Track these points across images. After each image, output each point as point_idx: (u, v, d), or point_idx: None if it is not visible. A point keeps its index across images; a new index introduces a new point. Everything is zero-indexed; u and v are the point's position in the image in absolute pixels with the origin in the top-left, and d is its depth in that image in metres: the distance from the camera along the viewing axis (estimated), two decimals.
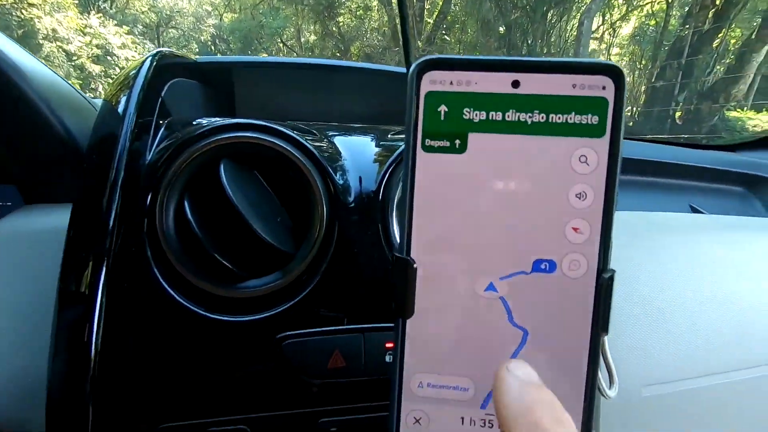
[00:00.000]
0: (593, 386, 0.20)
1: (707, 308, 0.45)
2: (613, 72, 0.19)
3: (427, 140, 0.20)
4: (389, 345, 0.33)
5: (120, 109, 0.36)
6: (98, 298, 0.31)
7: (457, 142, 0.20)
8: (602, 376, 0.37)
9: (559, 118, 0.19)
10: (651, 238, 0.48)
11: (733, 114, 6.04)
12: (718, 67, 6.54)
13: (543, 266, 0.20)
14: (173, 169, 0.34)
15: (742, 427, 0.45)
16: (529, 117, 0.19)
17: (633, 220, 0.50)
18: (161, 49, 0.43)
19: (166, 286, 0.32)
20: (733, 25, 6.46)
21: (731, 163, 0.80)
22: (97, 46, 8.36)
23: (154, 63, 0.40)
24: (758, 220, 0.62)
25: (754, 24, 5.91)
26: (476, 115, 0.20)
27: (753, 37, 5.61)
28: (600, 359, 0.20)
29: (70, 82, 0.47)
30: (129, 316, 0.32)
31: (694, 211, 0.74)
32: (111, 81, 0.42)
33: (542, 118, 0.19)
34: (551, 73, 0.19)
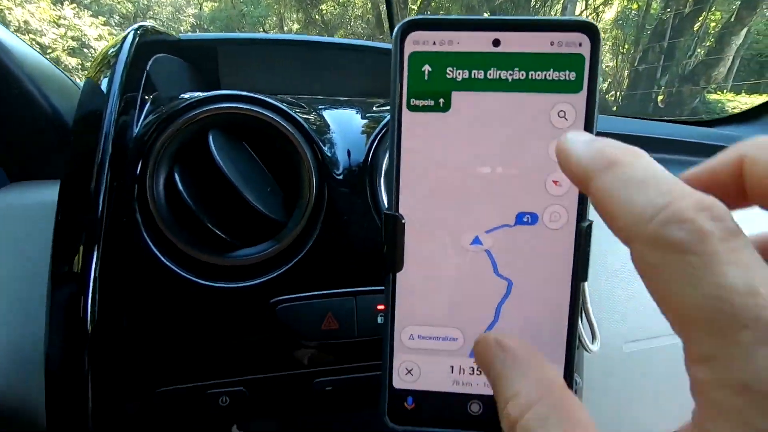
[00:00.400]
0: (574, 332, 0.21)
1: None
2: (589, 29, 0.20)
3: (412, 100, 0.21)
4: (380, 307, 0.35)
5: (104, 85, 0.36)
6: (92, 273, 0.31)
7: (441, 100, 0.20)
8: (585, 332, 0.39)
9: (538, 75, 0.20)
10: None
11: (713, 96, 6.14)
12: (699, 50, 6.62)
13: (525, 219, 0.21)
14: (161, 140, 0.34)
15: None
16: (510, 74, 0.20)
17: None
18: (143, 23, 0.42)
19: (160, 255, 0.33)
20: (713, 8, 6.53)
21: (709, 137, 0.82)
22: (72, 38, 8.10)
23: (137, 38, 0.39)
24: None
25: (733, 7, 5.98)
26: (459, 73, 0.20)
27: (732, 20, 5.69)
28: (580, 307, 0.22)
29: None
30: (124, 287, 0.33)
31: None
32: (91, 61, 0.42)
33: (522, 75, 0.20)
34: (530, 31, 0.20)
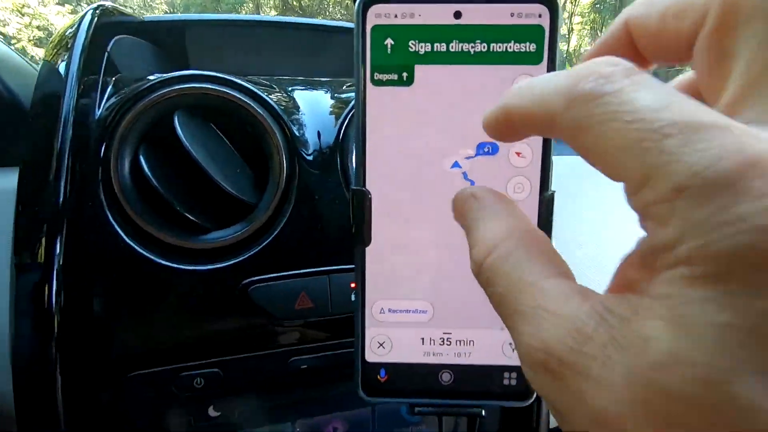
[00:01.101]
0: None
1: None
2: (547, 1, 0.20)
3: (375, 74, 0.21)
4: (353, 285, 0.35)
5: (61, 68, 0.35)
6: (55, 262, 0.30)
7: (405, 74, 0.21)
8: None
9: (499, 47, 0.20)
10: (597, 183, 0.51)
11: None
12: None
13: (486, 149, 0.21)
14: (126, 121, 0.33)
15: None
16: (472, 47, 0.20)
17: (577, 165, 0.53)
18: (102, 2, 0.41)
19: (127, 238, 0.32)
20: None
21: None
22: (38, 27, 7.75)
23: (95, 18, 0.38)
24: None
25: None
26: (421, 47, 0.20)
27: None
28: None
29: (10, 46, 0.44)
30: (91, 274, 0.32)
31: None
32: (48, 43, 0.40)
33: (484, 47, 0.20)
34: (490, 2, 0.20)
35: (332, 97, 0.42)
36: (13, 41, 7.35)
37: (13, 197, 0.32)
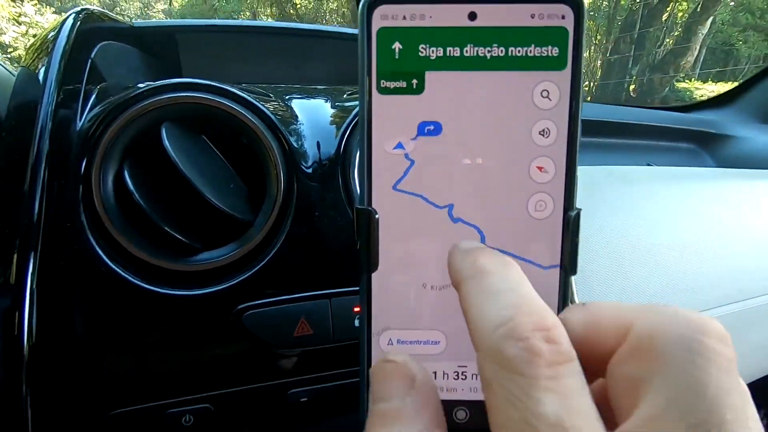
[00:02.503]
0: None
1: (665, 254, 0.46)
2: (572, 0, 0.18)
3: (382, 81, 0.19)
4: (356, 309, 0.32)
5: (40, 74, 0.32)
6: (27, 285, 0.28)
7: (414, 81, 0.19)
8: None
9: (518, 51, 0.18)
10: (611, 190, 0.49)
11: (682, 85, 6.34)
12: (668, 39, 6.81)
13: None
14: (109, 133, 0.31)
15: None
16: (488, 51, 0.18)
17: (594, 174, 0.51)
18: (87, 6, 0.38)
19: (111, 262, 0.30)
20: None
21: (684, 122, 0.83)
22: (34, 36, 7.76)
23: (78, 22, 0.36)
24: (709, 170, 0.65)
25: None
26: (433, 51, 0.18)
27: (698, 10, 5.86)
28: (570, 302, 0.20)
29: None
30: (68, 299, 0.29)
31: None
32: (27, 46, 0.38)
33: (501, 51, 0.18)
34: (509, 2, 0.18)
35: (333, 106, 0.40)
36: (9, 50, 7.35)
37: None
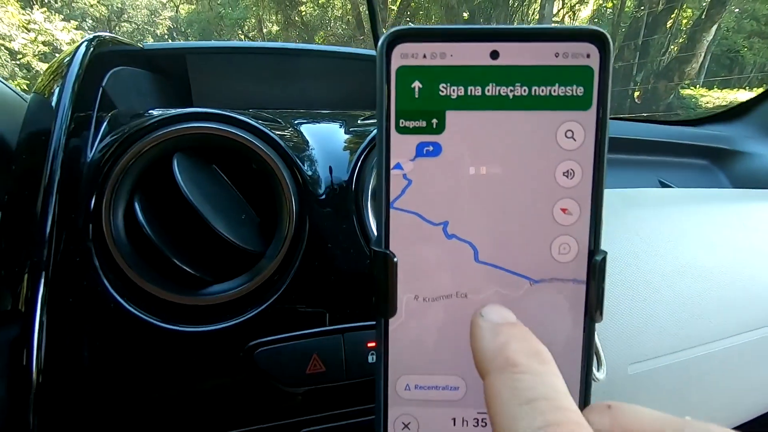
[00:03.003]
0: (588, 375, 0.19)
1: (681, 281, 0.45)
2: (597, 38, 0.18)
3: (401, 121, 0.18)
4: (371, 344, 0.31)
5: (52, 101, 0.32)
6: (36, 316, 0.27)
7: (435, 121, 0.18)
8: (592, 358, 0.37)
9: (542, 91, 0.18)
10: (624, 214, 0.48)
11: (687, 92, 6.32)
12: (672, 46, 6.80)
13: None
14: (119, 166, 0.30)
15: (724, 396, 0.46)
16: (511, 91, 0.18)
17: (607, 198, 0.50)
18: (99, 33, 0.38)
19: (120, 298, 0.29)
20: (684, 6, 6.72)
21: (695, 137, 0.82)
22: (43, 42, 7.84)
23: (91, 49, 0.35)
24: (724, 191, 0.64)
25: (704, 4, 6.16)
26: (454, 90, 0.18)
27: (703, 17, 5.85)
28: (593, 353, 0.19)
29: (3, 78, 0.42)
30: (77, 334, 0.29)
31: (663, 185, 0.76)
32: (46, 68, 0.37)
33: (524, 91, 0.18)
34: (532, 41, 0.18)
35: (347, 132, 0.39)
36: (18, 56, 7.44)
37: None
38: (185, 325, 0.30)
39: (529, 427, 0.12)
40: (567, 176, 0.18)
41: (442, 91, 0.18)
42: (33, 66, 7.54)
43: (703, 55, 6.04)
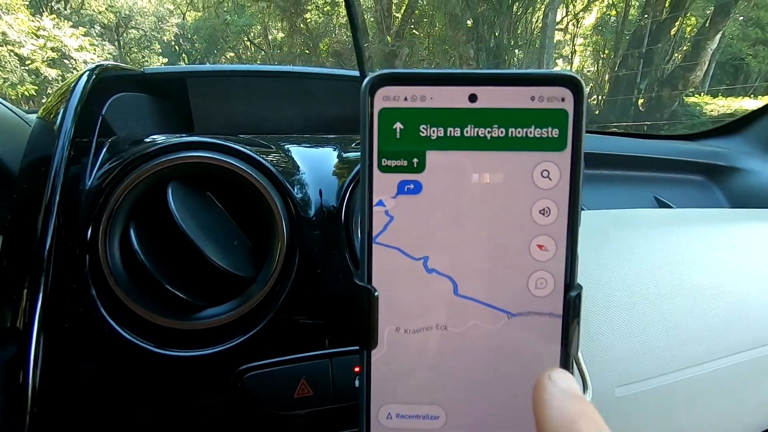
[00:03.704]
0: None
1: (674, 303, 0.45)
2: (571, 83, 0.18)
3: (383, 160, 0.19)
4: (357, 369, 0.32)
5: (55, 127, 0.33)
6: (33, 337, 0.28)
7: (415, 161, 0.19)
8: (577, 382, 0.37)
9: (519, 132, 0.19)
10: (615, 237, 0.49)
11: (691, 100, 6.30)
12: (676, 54, 6.80)
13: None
14: (116, 195, 0.31)
15: (714, 418, 0.46)
16: (489, 132, 0.19)
17: (597, 219, 0.50)
18: (103, 63, 0.40)
19: (113, 323, 0.30)
20: (689, 14, 6.72)
21: (691, 153, 0.82)
22: (52, 49, 7.95)
23: (93, 77, 0.37)
24: (714, 211, 0.64)
25: (708, 12, 6.16)
26: (433, 131, 0.19)
27: (707, 25, 5.85)
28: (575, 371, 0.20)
29: (6, 94, 0.43)
30: (72, 356, 0.30)
31: (659, 203, 0.76)
32: (51, 93, 0.39)
33: (502, 132, 0.19)
34: (509, 85, 0.18)
35: (338, 156, 0.40)
36: (27, 62, 7.55)
37: None
38: (177, 349, 0.30)
39: None
40: (543, 214, 0.19)
41: (423, 132, 0.19)
42: (42, 72, 7.65)
43: (707, 63, 6.03)
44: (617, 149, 0.77)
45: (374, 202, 0.19)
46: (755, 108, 0.90)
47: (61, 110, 0.34)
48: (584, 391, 0.37)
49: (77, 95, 0.35)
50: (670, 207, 0.74)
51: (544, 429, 0.16)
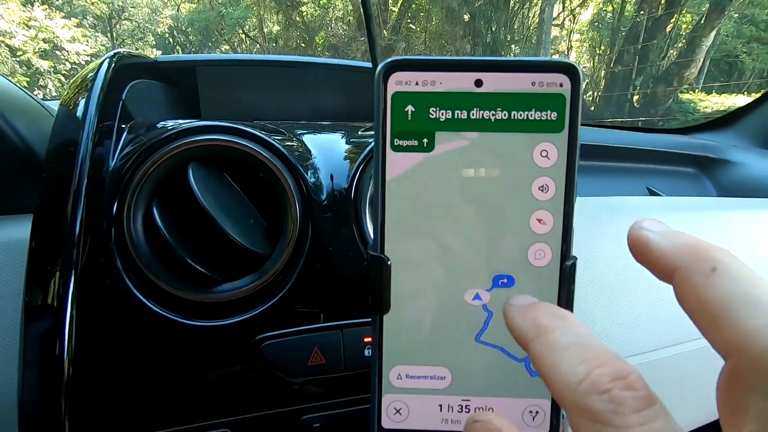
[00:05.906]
0: None
1: (660, 284, 0.48)
2: (569, 70, 0.20)
3: (395, 140, 0.21)
4: (367, 339, 0.34)
5: (78, 113, 0.35)
6: (67, 309, 0.30)
7: (425, 140, 0.20)
8: None
9: (520, 115, 0.20)
10: (607, 222, 0.51)
11: (685, 96, 6.34)
12: (671, 51, 6.83)
13: (502, 281, 0.21)
14: (139, 175, 0.33)
15: (700, 392, 0.49)
16: (492, 114, 0.20)
17: (592, 206, 0.53)
18: (119, 50, 0.41)
19: (140, 295, 0.32)
20: (684, 11, 6.74)
21: (683, 146, 0.84)
22: (43, 40, 7.83)
23: (113, 64, 0.38)
24: (705, 200, 0.66)
25: (703, 9, 6.19)
26: (442, 114, 0.20)
27: (702, 22, 5.88)
28: None
29: (21, 86, 0.45)
30: (102, 327, 0.31)
31: (651, 192, 0.78)
32: (65, 82, 0.40)
33: (504, 115, 0.20)
34: (512, 71, 0.20)
35: (347, 142, 0.42)
36: (18, 53, 7.44)
37: (25, 246, 0.32)
38: (198, 319, 0.33)
39: (573, 373, 0.13)
40: (542, 190, 0.21)
41: (432, 115, 0.20)
42: (33, 63, 7.55)
43: (702, 59, 6.06)
44: (612, 141, 0.79)
45: (387, 179, 0.21)
46: (746, 103, 0.93)
47: (84, 97, 0.36)
48: None
49: (99, 81, 0.37)
50: (660, 196, 0.76)
51: (519, 340, 0.17)
